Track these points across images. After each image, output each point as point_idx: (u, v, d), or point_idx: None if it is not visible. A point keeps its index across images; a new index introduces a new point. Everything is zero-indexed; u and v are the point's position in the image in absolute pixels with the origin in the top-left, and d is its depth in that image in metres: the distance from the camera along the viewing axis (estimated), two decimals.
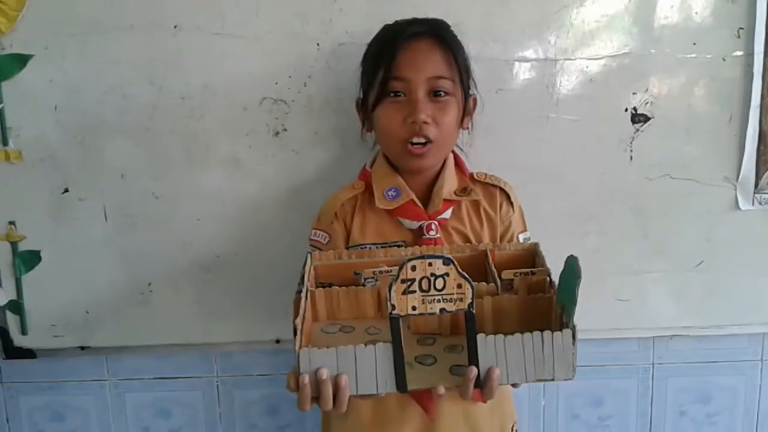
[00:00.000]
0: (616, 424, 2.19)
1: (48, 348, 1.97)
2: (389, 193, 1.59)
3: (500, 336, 1.14)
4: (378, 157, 1.67)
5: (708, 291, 1.99)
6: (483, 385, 1.17)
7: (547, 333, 1.14)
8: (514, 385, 1.22)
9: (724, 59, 1.85)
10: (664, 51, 1.84)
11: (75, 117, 1.82)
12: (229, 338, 1.99)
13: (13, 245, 1.89)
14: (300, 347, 1.14)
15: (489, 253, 1.43)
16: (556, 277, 1.24)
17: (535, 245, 1.45)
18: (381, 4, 1.78)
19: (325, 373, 1.14)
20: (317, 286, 1.42)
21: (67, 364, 2.07)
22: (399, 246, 1.54)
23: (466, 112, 1.63)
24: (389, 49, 1.51)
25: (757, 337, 2.12)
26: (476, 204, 1.63)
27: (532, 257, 1.45)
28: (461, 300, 1.11)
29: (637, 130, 1.88)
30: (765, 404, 2.18)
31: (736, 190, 1.92)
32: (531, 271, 1.32)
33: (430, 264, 1.10)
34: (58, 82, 1.80)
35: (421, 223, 1.57)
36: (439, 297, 1.11)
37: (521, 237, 1.67)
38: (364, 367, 1.14)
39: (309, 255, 1.45)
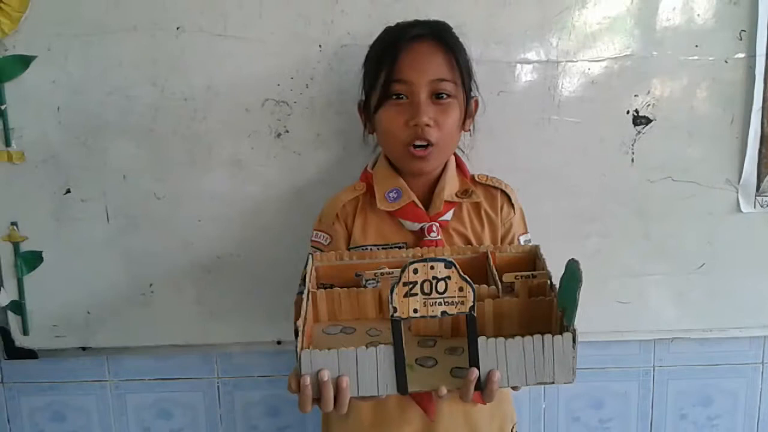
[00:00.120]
0: (617, 427, 2.19)
1: (49, 348, 1.98)
2: (390, 194, 1.59)
3: (501, 339, 1.14)
4: (379, 159, 1.67)
5: (709, 294, 1.99)
6: (483, 388, 1.17)
7: (547, 336, 1.14)
8: (514, 388, 1.21)
9: (726, 61, 1.85)
10: (666, 53, 1.84)
11: (77, 118, 1.82)
12: (230, 339, 2.00)
13: (15, 246, 1.89)
14: (302, 349, 1.15)
15: (490, 255, 1.43)
16: (557, 280, 1.24)
17: (536, 248, 1.45)
18: (383, 6, 1.78)
19: (326, 375, 1.14)
20: (318, 287, 1.42)
21: (69, 365, 2.07)
22: (400, 247, 1.54)
23: (468, 114, 1.63)
24: (391, 51, 1.51)
25: (758, 340, 2.12)
26: (477, 206, 1.64)
27: (532, 260, 1.45)
28: (463, 303, 1.12)
29: (639, 132, 1.87)
30: (766, 407, 2.18)
31: (737, 192, 1.92)
32: (532, 274, 1.31)
33: (432, 267, 1.11)
34: (61, 83, 1.80)
35: (422, 224, 1.57)
36: (441, 300, 1.12)
37: (522, 239, 1.68)
38: (365, 369, 1.15)
39: (310, 256, 1.45)
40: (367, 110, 1.62)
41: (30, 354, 1.98)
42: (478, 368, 1.15)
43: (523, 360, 1.15)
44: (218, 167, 1.87)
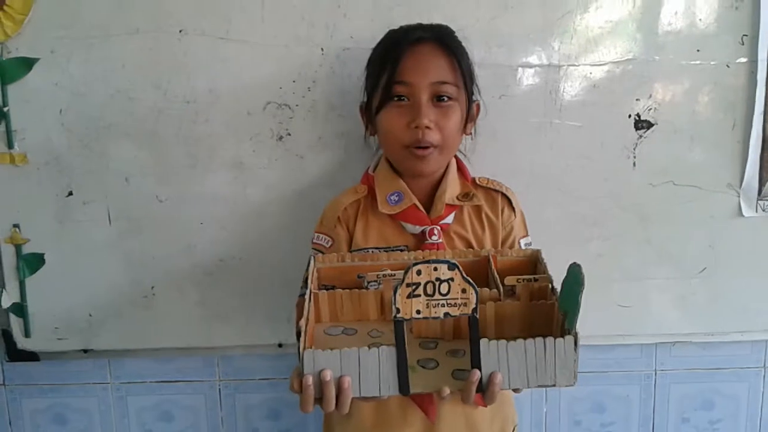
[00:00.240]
0: (619, 431, 2.19)
1: (51, 351, 1.98)
2: (392, 197, 1.59)
3: (503, 341, 1.15)
4: (380, 161, 1.67)
5: (711, 298, 1.99)
6: (485, 390, 1.17)
7: (549, 339, 1.14)
8: (515, 390, 1.21)
9: (728, 66, 1.85)
10: (668, 57, 1.84)
11: (80, 120, 1.83)
12: (231, 342, 2.00)
13: (18, 248, 1.89)
14: (304, 348, 1.15)
15: (491, 259, 1.43)
16: (558, 284, 1.24)
17: (537, 252, 1.45)
18: (385, 10, 1.78)
19: (328, 375, 1.14)
20: (320, 289, 1.43)
21: (70, 367, 2.07)
22: (401, 250, 1.55)
23: (470, 117, 1.63)
24: (393, 53, 1.52)
25: (760, 344, 2.12)
26: (478, 209, 1.64)
27: (534, 264, 1.45)
28: (465, 305, 1.12)
29: (641, 136, 1.88)
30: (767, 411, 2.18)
31: (739, 196, 1.92)
32: (534, 277, 1.32)
33: (435, 269, 1.11)
34: (64, 86, 1.81)
35: (423, 227, 1.57)
36: (444, 301, 1.12)
37: (523, 242, 1.68)
38: (367, 370, 1.15)
39: (312, 258, 1.45)
40: (369, 112, 1.62)
41: (32, 356, 1.98)
42: (480, 370, 1.15)
43: (525, 362, 1.15)
44: (220, 170, 1.87)
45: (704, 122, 1.88)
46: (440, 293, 1.12)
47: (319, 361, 1.15)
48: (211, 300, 1.96)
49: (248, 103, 1.83)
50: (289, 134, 1.85)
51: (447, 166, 1.63)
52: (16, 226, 1.88)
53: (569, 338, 1.15)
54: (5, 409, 2.11)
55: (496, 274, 1.37)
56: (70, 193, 1.87)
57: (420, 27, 1.59)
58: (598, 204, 1.92)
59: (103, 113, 1.82)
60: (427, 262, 1.11)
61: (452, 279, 1.11)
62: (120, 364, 2.08)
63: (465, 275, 1.12)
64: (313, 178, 1.88)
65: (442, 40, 1.55)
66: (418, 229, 1.58)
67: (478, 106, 1.68)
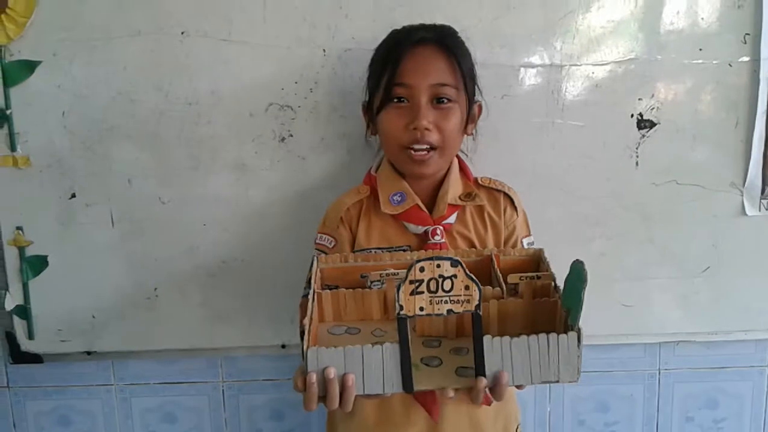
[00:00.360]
0: (623, 430, 2.18)
1: (54, 353, 1.98)
2: (394, 197, 1.59)
3: (506, 338, 1.15)
4: (383, 162, 1.68)
5: (714, 297, 1.99)
6: (492, 389, 1.18)
7: (552, 335, 1.15)
8: (518, 387, 1.21)
9: (730, 65, 1.85)
10: (671, 57, 1.84)
11: (82, 123, 1.83)
12: (234, 343, 2.00)
13: (21, 250, 1.90)
14: (308, 347, 1.15)
15: (494, 259, 1.43)
16: (561, 283, 1.25)
17: (540, 251, 1.45)
18: (387, 11, 1.78)
19: (332, 372, 1.14)
20: (323, 289, 1.43)
21: (74, 369, 2.07)
22: (404, 251, 1.55)
23: (471, 118, 1.63)
24: (394, 54, 1.52)
25: (763, 342, 2.11)
26: (480, 209, 1.64)
27: (536, 263, 1.45)
28: (468, 302, 1.12)
29: (643, 135, 1.87)
30: None
31: (742, 195, 1.92)
32: (536, 275, 1.32)
33: (438, 265, 1.11)
34: (66, 88, 1.81)
35: (426, 227, 1.57)
36: (447, 298, 1.12)
37: (525, 241, 1.68)
38: (371, 367, 1.15)
39: (315, 258, 1.45)
40: (371, 111, 1.62)
41: (35, 358, 1.98)
42: (484, 366, 1.15)
43: (528, 359, 1.15)
44: (223, 171, 1.87)
45: (707, 121, 1.88)
46: (443, 290, 1.12)
47: (322, 359, 1.15)
48: (214, 301, 1.96)
49: (250, 105, 1.83)
50: (291, 135, 1.85)
51: (449, 166, 1.63)
52: (19, 228, 1.88)
53: (572, 334, 1.15)
54: (9, 411, 2.11)
55: (499, 273, 1.37)
56: (73, 196, 1.87)
57: (422, 28, 1.59)
58: (600, 203, 1.92)
59: (106, 115, 1.83)
60: (430, 259, 1.11)
61: (455, 276, 1.11)
62: (123, 365, 2.08)
63: (468, 272, 1.12)
64: (315, 179, 1.88)
65: (443, 41, 1.55)
66: (420, 229, 1.58)
67: (480, 106, 1.68)
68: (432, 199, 1.62)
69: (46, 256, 1.91)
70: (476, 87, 1.64)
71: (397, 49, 1.53)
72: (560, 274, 1.27)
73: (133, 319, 1.96)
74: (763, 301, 2.00)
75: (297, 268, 1.78)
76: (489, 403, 1.21)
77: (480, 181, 1.67)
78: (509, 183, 1.70)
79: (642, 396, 2.16)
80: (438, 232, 1.57)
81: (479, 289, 1.12)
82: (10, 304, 1.92)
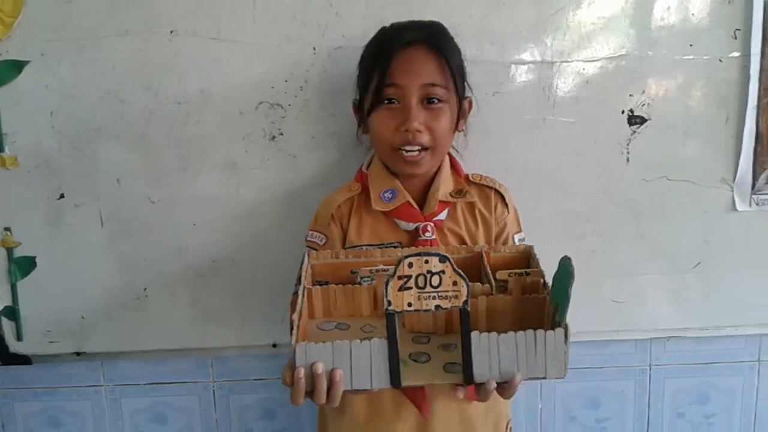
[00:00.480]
0: (614, 426, 2.19)
1: (43, 354, 1.97)
2: (385, 194, 1.60)
3: (494, 333, 1.15)
4: (374, 159, 1.68)
5: (705, 292, 1.99)
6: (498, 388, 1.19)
7: (540, 331, 1.15)
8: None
9: (720, 60, 1.85)
10: (661, 52, 1.85)
11: (71, 123, 1.82)
12: (225, 343, 1.99)
13: (9, 251, 1.88)
14: (296, 341, 1.15)
15: (484, 255, 1.44)
16: (551, 279, 1.25)
17: (530, 248, 1.46)
18: (377, 8, 1.77)
19: (320, 368, 1.15)
20: (314, 285, 1.43)
21: (63, 370, 2.06)
22: (395, 247, 1.55)
23: (461, 114, 1.63)
24: (384, 55, 1.52)
25: (754, 338, 2.12)
26: (471, 205, 1.65)
27: (526, 260, 1.46)
28: (456, 297, 1.13)
29: (634, 131, 1.88)
30: (762, 405, 2.19)
31: (733, 191, 1.92)
32: (525, 271, 1.33)
33: (426, 261, 1.12)
34: (54, 88, 1.80)
35: (417, 224, 1.58)
36: (435, 294, 1.13)
37: (516, 238, 1.69)
38: (359, 362, 1.16)
39: (306, 254, 1.46)
40: (361, 111, 1.62)
41: (24, 360, 1.97)
42: (471, 362, 1.16)
43: (516, 355, 1.16)
44: (212, 171, 1.86)
45: (697, 117, 1.89)
46: (431, 286, 1.13)
47: (311, 354, 1.15)
48: (205, 301, 1.95)
49: (240, 104, 1.82)
50: (282, 134, 1.84)
51: (440, 163, 1.63)
52: (7, 229, 1.87)
53: (560, 330, 1.15)
54: None
55: (488, 269, 1.38)
56: (62, 196, 1.86)
57: (411, 26, 1.58)
58: (591, 200, 1.92)
59: (94, 115, 1.81)
60: (419, 254, 1.12)
61: (443, 271, 1.12)
62: (113, 366, 2.07)
63: (456, 268, 1.12)
64: (306, 177, 1.88)
65: (433, 41, 1.54)
66: (411, 225, 1.58)
67: (470, 102, 1.68)
68: (423, 195, 1.62)
69: (34, 257, 1.90)
70: (466, 83, 1.64)
71: (387, 50, 1.52)
72: (551, 270, 1.26)
73: (123, 319, 1.95)
74: (753, 297, 2.00)
75: (288, 268, 1.76)
76: (480, 399, 1.21)
77: (471, 178, 1.68)
78: (501, 180, 1.70)
79: (633, 392, 2.16)
80: (429, 228, 1.57)
81: (467, 285, 1.13)
82: None
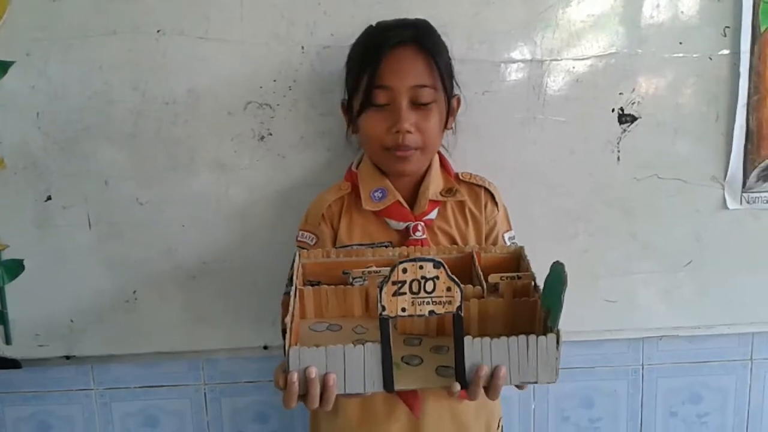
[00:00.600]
0: (607, 426, 2.19)
1: (33, 358, 1.95)
2: (375, 194, 1.60)
3: (486, 339, 1.16)
4: (364, 158, 1.68)
5: (697, 291, 1.99)
6: (486, 388, 1.20)
7: (532, 337, 1.16)
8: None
9: (710, 58, 1.85)
10: (651, 51, 1.84)
11: (58, 123, 1.80)
12: (216, 345, 1.98)
13: None
14: (290, 346, 1.15)
15: (475, 256, 1.44)
16: (542, 280, 1.25)
17: (521, 249, 1.46)
18: (366, 7, 1.76)
19: (313, 372, 1.15)
20: (305, 285, 1.43)
21: (53, 374, 2.05)
22: (386, 246, 1.55)
23: (450, 113, 1.63)
24: (373, 56, 1.52)
25: (746, 336, 2.12)
26: (461, 204, 1.65)
27: (517, 260, 1.46)
28: (450, 303, 1.14)
29: (625, 130, 1.87)
30: (755, 403, 2.19)
31: (724, 189, 1.92)
32: (517, 275, 1.33)
33: (421, 267, 1.12)
34: (41, 89, 1.78)
35: (407, 223, 1.58)
36: (429, 299, 1.13)
37: (506, 236, 1.69)
38: (352, 367, 1.16)
39: (297, 253, 1.46)
40: (350, 110, 1.62)
41: (13, 363, 1.95)
42: (464, 367, 1.17)
43: (508, 359, 1.17)
44: (201, 171, 1.85)
45: (688, 115, 1.88)
46: (425, 291, 1.13)
47: (304, 358, 1.16)
48: (195, 303, 1.94)
49: (229, 103, 1.81)
50: (271, 134, 1.83)
51: (430, 162, 1.63)
52: None
53: (552, 336, 1.16)
54: None
55: (480, 271, 1.38)
56: (49, 198, 1.84)
57: (398, 25, 1.58)
58: (582, 199, 1.92)
59: (81, 116, 1.80)
60: (413, 260, 1.12)
61: (437, 277, 1.13)
62: (103, 369, 2.06)
63: (450, 273, 1.13)
64: (295, 177, 1.87)
65: (421, 40, 1.54)
66: (402, 225, 1.59)
67: (459, 100, 1.69)
68: (413, 195, 1.62)
69: (22, 260, 1.88)
70: (454, 81, 1.64)
71: (376, 51, 1.52)
72: (542, 270, 1.26)
73: (113, 322, 1.93)
74: (745, 295, 2.00)
75: (278, 268, 1.76)
76: (471, 398, 1.21)
77: (461, 177, 1.68)
78: (491, 179, 1.70)
79: (626, 391, 2.16)
80: (419, 228, 1.58)
81: (461, 291, 1.13)
82: None
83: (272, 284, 1.82)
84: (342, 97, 1.68)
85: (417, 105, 1.52)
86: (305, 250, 1.52)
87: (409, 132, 1.50)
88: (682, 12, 1.83)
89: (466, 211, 1.65)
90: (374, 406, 1.59)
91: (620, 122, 1.87)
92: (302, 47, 1.79)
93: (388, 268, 1.13)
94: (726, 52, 1.85)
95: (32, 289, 1.90)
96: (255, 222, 1.89)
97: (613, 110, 1.86)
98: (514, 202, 1.74)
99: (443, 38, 1.62)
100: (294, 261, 1.43)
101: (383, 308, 1.13)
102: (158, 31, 1.77)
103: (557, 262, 1.19)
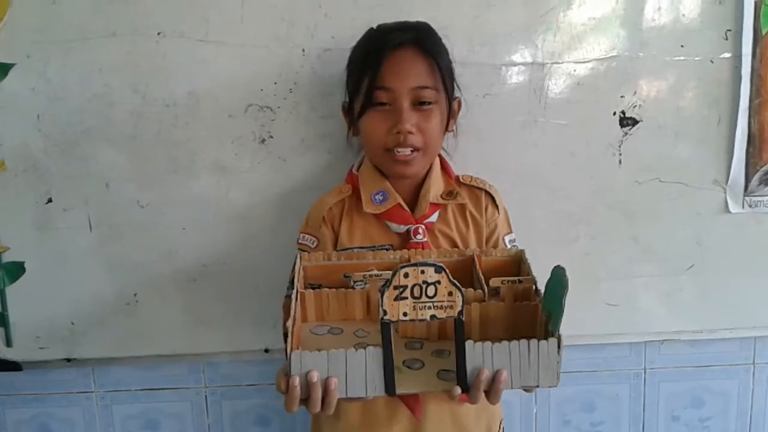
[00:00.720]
0: (608, 430, 2.18)
1: (33, 360, 1.95)
2: (376, 197, 1.60)
3: (488, 343, 1.17)
4: (365, 161, 1.68)
5: (699, 295, 1.99)
6: (486, 392, 1.20)
7: (533, 341, 1.17)
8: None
9: (712, 61, 1.85)
10: (652, 54, 1.84)
11: (58, 125, 1.80)
12: (217, 348, 1.98)
13: None
14: (292, 350, 1.16)
15: (476, 259, 1.44)
16: (543, 284, 1.25)
17: (521, 252, 1.46)
18: (367, 10, 1.76)
19: (315, 376, 1.16)
20: (306, 288, 1.43)
21: (53, 376, 2.05)
22: (387, 249, 1.56)
23: (451, 115, 1.63)
24: (374, 58, 1.52)
25: (748, 340, 2.12)
26: (462, 207, 1.65)
27: (518, 263, 1.46)
28: (451, 307, 1.14)
29: (626, 133, 1.87)
30: (757, 408, 2.18)
31: (725, 192, 1.92)
32: (518, 279, 1.34)
33: (422, 271, 1.13)
34: (41, 91, 1.78)
35: (408, 226, 1.58)
36: (430, 304, 1.14)
37: (507, 239, 1.69)
38: (354, 371, 1.17)
39: (298, 256, 1.46)
40: (351, 113, 1.62)
41: (14, 366, 1.95)
42: (465, 371, 1.17)
43: (509, 363, 1.17)
44: (202, 174, 1.85)
45: (689, 118, 1.88)
46: (427, 296, 1.13)
47: (306, 363, 1.16)
48: (196, 306, 1.94)
49: (229, 106, 1.81)
50: (272, 137, 1.83)
51: (430, 165, 1.63)
52: None
53: (553, 341, 1.17)
54: None
55: (480, 274, 1.38)
56: (50, 200, 1.84)
57: (400, 28, 1.58)
58: (583, 202, 1.91)
59: (82, 118, 1.80)
60: (414, 265, 1.12)
61: (439, 282, 1.13)
62: (104, 372, 2.06)
63: (451, 278, 1.13)
64: (296, 180, 1.87)
65: (422, 42, 1.55)
66: (402, 228, 1.59)
67: (459, 102, 1.68)
68: (414, 197, 1.62)
69: (23, 263, 1.88)
70: (455, 83, 1.64)
71: (377, 53, 1.52)
72: (543, 273, 1.26)
73: (113, 325, 1.93)
74: (747, 299, 2.00)
75: (280, 271, 1.76)
76: (472, 402, 1.22)
77: (461, 179, 1.68)
78: (492, 182, 1.70)
79: (628, 395, 2.16)
80: (420, 231, 1.57)
81: (462, 296, 1.14)
82: None
83: (273, 287, 1.83)
84: (343, 100, 1.68)
85: (418, 106, 1.52)
86: (306, 253, 1.52)
87: (410, 132, 1.50)
88: (683, 15, 1.82)
89: (467, 214, 1.65)
90: (375, 409, 1.59)
91: (621, 125, 1.86)
92: (303, 50, 1.79)
93: (389, 272, 1.13)
94: (728, 55, 1.84)
95: (33, 291, 1.90)
96: (256, 225, 1.89)
97: (614, 113, 1.86)
98: (515, 205, 1.74)
99: (444, 41, 1.62)
100: (295, 264, 1.43)
101: (385, 313, 1.13)
102: (158, 34, 1.77)
103: (558, 266, 1.19)
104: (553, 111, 1.85)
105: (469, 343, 1.16)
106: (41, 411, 2.09)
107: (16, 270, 1.88)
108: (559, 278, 1.17)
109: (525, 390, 1.24)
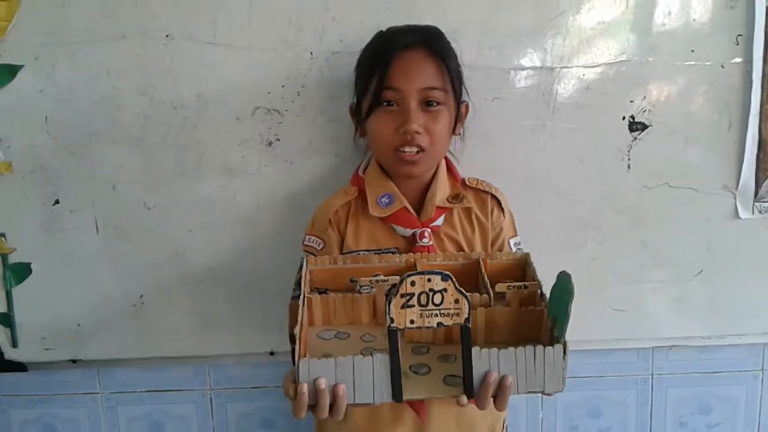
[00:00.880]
0: None
1: (39, 361, 1.95)
2: (382, 200, 1.60)
3: (494, 349, 1.18)
4: (371, 163, 1.68)
5: (708, 300, 1.98)
6: (478, 394, 1.20)
7: (539, 348, 1.18)
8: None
9: (722, 66, 1.84)
10: (662, 58, 1.83)
11: (66, 127, 1.80)
12: (222, 350, 1.98)
13: (4, 257, 1.87)
14: (299, 357, 1.16)
15: (482, 262, 1.45)
16: (548, 289, 1.25)
17: (526, 255, 1.47)
18: (375, 13, 1.76)
19: (323, 383, 1.16)
20: (312, 292, 1.44)
21: (59, 377, 2.05)
22: (392, 253, 1.56)
23: (458, 118, 1.64)
24: (383, 58, 1.52)
25: (757, 347, 2.11)
26: (468, 210, 1.65)
27: (523, 267, 1.47)
28: (458, 315, 1.15)
29: (635, 138, 1.86)
30: (766, 415, 2.18)
31: (735, 198, 1.91)
32: (524, 284, 1.34)
33: (429, 280, 1.14)
34: (49, 93, 1.78)
35: (414, 230, 1.58)
36: (437, 311, 1.15)
37: (512, 242, 1.69)
38: (361, 377, 1.18)
39: (304, 260, 1.46)
40: (359, 114, 1.62)
41: (20, 367, 1.95)
42: (472, 377, 1.18)
43: (515, 369, 1.18)
44: (209, 176, 1.85)
45: (699, 123, 1.87)
46: (434, 303, 1.15)
47: (314, 370, 1.17)
48: (202, 308, 1.93)
49: (237, 109, 1.81)
50: (279, 139, 1.83)
51: (437, 168, 1.64)
52: (2, 235, 1.86)
53: (558, 347, 1.18)
54: None
55: (486, 278, 1.39)
56: (57, 202, 1.84)
57: (409, 30, 1.59)
58: (592, 207, 1.91)
59: (89, 120, 1.80)
60: (421, 273, 1.14)
61: (445, 290, 1.14)
62: (109, 373, 2.06)
63: (458, 286, 1.14)
64: (303, 183, 1.86)
65: (431, 44, 1.55)
66: (408, 231, 1.59)
67: (467, 106, 1.68)
68: (420, 200, 1.63)
69: (29, 264, 1.88)
70: (463, 87, 1.64)
71: (386, 53, 1.53)
72: (550, 278, 1.26)
73: (119, 326, 1.93)
74: (757, 305, 1.99)
75: (285, 274, 1.75)
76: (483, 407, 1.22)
77: (467, 182, 1.68)
78: (500, 186, 1.70)
79: (635, 401, 2.15)
80: (426, 234, 1.58)
81: (468, 303, 1.14)
82: None
83: (279, 290, 1.82)
84: (351, 101, 1.68)
85: (426, 107, 1.53)
86: (313, 256, 1.53)
87: (417, 132, 1.51)
88: (694, 19, 1.82)
89: (473, 217, 1.65)
90: (380, 411, 1.59)
91: (631, 130, 1.86)
92: (311, 53, 1.78)
93: (396, 277, 1.16)
94: (738, 60, 1.83)
95: (39, 292, 1.90)
96: (262, 227, 1.89)
97: (623, 118, 1.85)
98: (522, 209, 1.74)
99: (453, 44, 1.62)
100: (301, 266, 1.43)
101: (392, 320, 1.14)
102: (166, 36, 1.76)
103: (564, 272, 1.20)
104: (561, 115, 1.85)
105: (475, 350, 1.17)
106: (46, 412, 2.09)
107: (22, 271, 1.88)
108: (564, 284, 1.18)
109: (545, 394, 1.24)
